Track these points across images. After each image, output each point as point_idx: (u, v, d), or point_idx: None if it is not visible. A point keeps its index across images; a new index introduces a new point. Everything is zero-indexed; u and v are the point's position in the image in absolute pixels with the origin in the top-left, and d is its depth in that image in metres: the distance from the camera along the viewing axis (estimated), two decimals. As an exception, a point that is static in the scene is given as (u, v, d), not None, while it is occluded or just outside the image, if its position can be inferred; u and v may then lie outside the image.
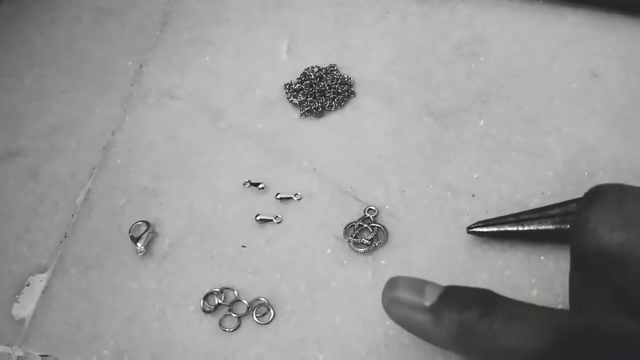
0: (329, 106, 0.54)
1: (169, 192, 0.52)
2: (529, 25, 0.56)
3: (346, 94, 0.55)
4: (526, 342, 0.29)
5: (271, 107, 0.56)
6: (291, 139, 0.54)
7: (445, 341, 0.34)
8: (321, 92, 0.55)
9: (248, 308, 0.46)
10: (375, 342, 0.44)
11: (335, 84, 0.55)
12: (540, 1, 0.56)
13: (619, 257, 0.31)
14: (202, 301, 0.47)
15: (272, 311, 0.46)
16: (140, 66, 0.60)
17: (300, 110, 0.55)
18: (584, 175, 0.48)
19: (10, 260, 0.51)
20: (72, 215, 0.52)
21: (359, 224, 0.48)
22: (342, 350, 0.44)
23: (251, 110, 0.56)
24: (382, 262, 0.47)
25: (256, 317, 0.46)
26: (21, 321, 0.48)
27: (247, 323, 0.46)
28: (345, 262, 0.47)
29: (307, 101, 0.55)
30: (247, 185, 0.51)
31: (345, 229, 0.48)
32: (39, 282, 0.50)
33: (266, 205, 0.51)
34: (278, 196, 0.50)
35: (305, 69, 0.57)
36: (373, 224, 0.48)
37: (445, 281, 0.45)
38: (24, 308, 0.49)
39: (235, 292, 0.47)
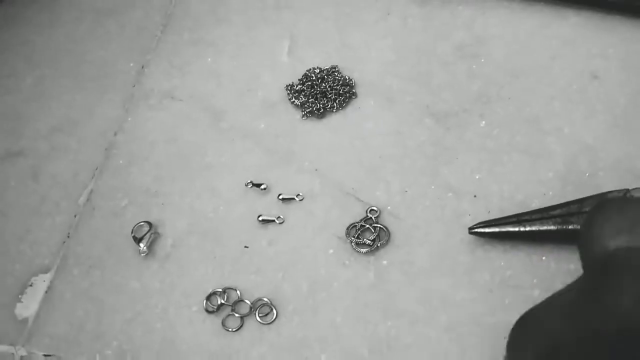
0: (330, 107, 0.55)
1: (171, 193, 0.52)
2: (530, 26, 0.56)
3: (347, 95, 0.55)
4: None
5: (272, 108, 0.56)
6: (293, 140, 0.54)
7: None
8: (323, 93, 0.55)
9: (251, 308, 0.46)
10: (378, 341, 0.44)
11: (337, 85, 0.55)
12: (541, 2, 0.57)
13: (623, 259, 0.32)
14: (204, 301, 0.47)
15: (274, 311, 0.46)
16: (142, 67, 0.60)
17: (302, 111, 0.55)
18: (584, 176, 0.48)
19: (13, 260, 0.51)
20: (75, 216, 0.52)
21: (361, 225, 0.48)
22: (344, 350, 0.44)
23: (252, 111, 0.56)
24: (384, 262, 0.47)
25: (259, 317, 0.46)
26: (24, 321, 0.48)
27: (249, 323, 0.46)
28: (347, 262, 0.47)
29: (308, 102, 0.55)
30: (249, 186, 0.52)
31: (347, 229, 0.48)
32: (41, 282, 0.50)
33: (268, 206, 0.51)
34: (280, 197, 0.51)
35: (307, 70, 0.57)
36: (375, 225, 0.48)
37: (446, 282, 0.46)
38: (27, 308, 0.49)
39: (238, 292, 0.47)
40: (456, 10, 0.58)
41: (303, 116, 0.55)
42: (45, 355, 0.47)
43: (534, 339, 0.35)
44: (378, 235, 0.48)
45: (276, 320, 0.46)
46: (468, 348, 0.43)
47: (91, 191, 0.53)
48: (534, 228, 0.44)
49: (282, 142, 0.54)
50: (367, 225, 0.48)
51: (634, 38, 0.54)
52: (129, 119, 0.57)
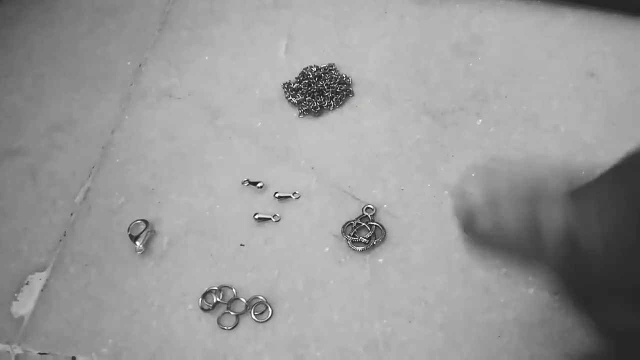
0: (327, 105, 0.54)
1: (168, 191, 0.52)
2: (526, 24, 0.56)
3: (344, 93, 0.55)
4: None
5: (270, 106, 0.56)
6: (290, 138, 0.54)
7: None
8: (320, 91, 0.55)
9: (246, 306, 0.46)
10: (373, 339, 0.44)
11: (334, 83, 0.55)
12: (538, 1, 0.57)
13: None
14: (200, 299, 0.47)
15: (270, 309, 0.46)
16: (140, 66, 0.60)
17: (299, 109, 0.55)
18: (581, 174, 0.48)
19: (10, 258, 0.51)
20: (71, 214, 0.52)
21: (357, 223, 0.48)
22: (339, 348, 0.44)
23: (250, 109, 0.56)
24: (380, 260, 0.47)
25: (254, 315, 0.46)
26: (20, 319, 0.48)
27: (245, 321, 0.46)
28: (343, 260, 0.47)
29: (305, 100, 0.55)
30: (245, 184, 0.52)
31: (343, 227, 0.48)
32: (38, 281, 0.50)
33: (265, 204, 0.51)
34: (276, 195, 0.51)
35: (304, 69, 0.57)
36: (371, 223, 0.48)
37: (442, 279, 0.46)
38: (23, 306, 0.49)
39: (234, 290, 0.47)
40: (453, 9, 0.58)
41: (300, 114, 0.55)
42: (40, 354, 0.47)
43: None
44: (374, 234, 0.48)
45: (272, 319, 0.46)
46: (463, 346, 0.43)
47: (88, 189, 0.53)
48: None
49: (279, 140, 0.54)
50: (363, 224, 0.48)
51: (630, 36, 0.54)
52: (127, 117, 0.57)
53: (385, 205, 0.49)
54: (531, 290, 0.44)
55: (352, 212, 0.49)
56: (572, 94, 0.52)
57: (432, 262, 0.46)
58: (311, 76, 0.56)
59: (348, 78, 0.56)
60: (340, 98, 0.55)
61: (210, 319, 0.46)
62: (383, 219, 0.49)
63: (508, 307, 0.43)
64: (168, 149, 0.55)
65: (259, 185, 0.51)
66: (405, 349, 0.44)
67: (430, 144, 0.51)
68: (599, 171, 0.48)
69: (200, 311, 0.47)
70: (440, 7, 0.59)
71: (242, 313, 0.46)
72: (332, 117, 0.54)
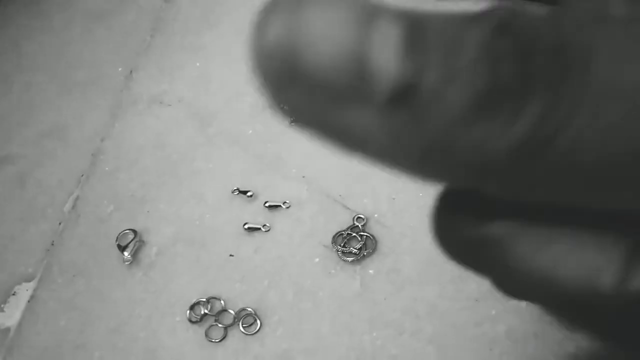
0: (318, 113, 0.54)
1: (157, 200, 0.52)
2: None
3: (336, 100, 0.54)
4: None
5: (261, 113, 0.55)
6: (281, 146, 0.53)
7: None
8: (311, 98, 0.54)
9: (234, 318, 0.46)
10: (363, 352, 0.44)
11: (326, 90, 0.54)
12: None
13: None
14: (188, 311, 0.46)
15: (258, 321, 0.45)
16: (130, 72, 0.60)
17: (290, 117, 0.54)
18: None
19: (-3, 268, 0.51)
20: (60, 223, 0.52)
21: (348, 233, 0.48)
22: (329, 361, 0.44)
23: (241, 116, 0.55)
24: (371, 271, 0.46)
25: (243, 327, 0.45)
26: (6, 330, 0.48)
27: (233, 333, 0.45)
28: (333, 271, 0.47)
29: (297, 107, 0.54)
30: (235, 193, 0.51)
31: (333, 237, 0.48)
32: (25, 291, 0.49)
33: (254, 213, 0.50)
34: (267, 204, 0.50)
35: (296, 75, 0.56)
36: (362, 233, 0.47)
37: (433, 290, 0.45)
38: (9, 317, 0.48)
39: (222, 301, 0.46)
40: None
41: (291, 122, 0.54)
42: (27, 366, 0.46)
43: None
44: (364, 244, 0.47)
45: (260, 331, 0.45)
46: (454, 359, 0.42)
47: (77, 198, 0.53)
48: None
49: (269, 148, 0.53)
50: (354, 234, 0.47)
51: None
52: (117, 124, 0.56)
53: (376, 215, 0.49)
54: (523, 303, 0.43)
55: (342, 221, 0.49)
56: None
57: (422, 272, 0.46)
58: (303, 83, 0.55)
59: (340, 85, 0.55)
60: (332, 105, 0.54)
61: (198, 331, 0.46)
62: (374, 228, 0.48)
63: (499, 319, 0.42)
64: (158, 157, 0.54)
65: (249, 194, 0.50)
66: (395, 362, 0.43)
67: (422, 152, 0.51)
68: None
69: (188, 323, 0.46)
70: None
71: (231, 325, 0.45)
72: (324, 125, 0.54)
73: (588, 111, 0.11)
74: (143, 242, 0.50)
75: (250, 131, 0.54)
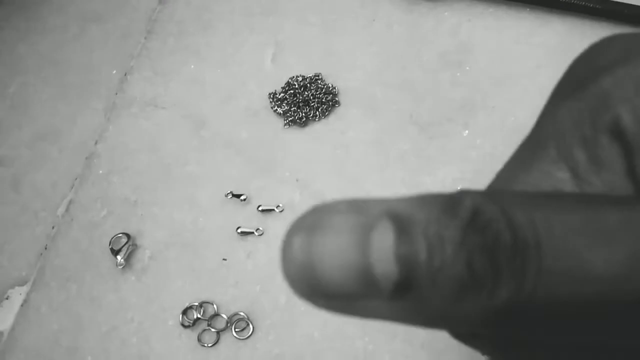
0: (313, 116, 0.54)
1: (151, 203, 0.52)
2: (515, 33, 0.55)
3: (330, 103, 0.54)
4: None
5: (255, 116, 0.55)
6: (274, 149, 0.53)
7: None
8: (305, 101, 0.54)
9: (227, 323, 0.45)
10: (355, 357, 0.44)
11: (320, 93, 0.54)
12: (527, 10, 0.56)
13: None
14: (181, 315, 0.46)
15: (251, 326, 0.45)
16: (125, 75, 0.60)
17: (284, 119, 0.54)
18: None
19: (-10, 272, 0.51)
20: (53, 227, 0.52)
21: (341, 237, 0.47)
22: (321, 366, 0.43)
23: (235, 119, 0.55)
24: (363, 275, 0.46)
25: (235, 332, 0.45)
26: (-1, 335, 0.48)
27: (225, 338, 0.45)
28: (326, 275, 0.47)
29: (291, 111, 0.54)
30: (229, 197, 0.51)
31: (326, 241, 0.48)
32: (18, 295, 0.49)
33: (248, 217, 0.50)
34: (260, 208, 0.50)
35: (290, 78, 0.56)
36: (354, 237, 0.47)
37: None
38: (2, 321, 0.48)
39: (215, 306, 0.46)
40: (442, 17, 0.57)
41: (285, 125, 0.54)
42: (19, 370, 0.46)
43: None
44: (357, 248, 0.47)
45: (252, 336, 0.45)
46: (446, 365, 0.42)
47: (70, 201, 0.53)
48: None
49: (263, 151, 0.53)
50: (347, 238, 0.47)
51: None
52: (111, 127, 0.56)
53: (369, 219, 0.48)
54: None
55: (336, 225, 0.48)
56: (560, 105, 0.51)
57: (416, 277, 0.46)
58: (297, 86, 0.55)
59: (334, 88, 0.55)
60: (326, 108, 0.54)
61: (190, 336, 0.46)
62: (367, 232, 0.48)
63: (492, 325, 0.42)
64: (151, 160, 0.54)
65: (242, 197, 0.50)
66: (388, 367, 0.43)
67: (415, 156, 0.51)
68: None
69: (181, 327, 0.46)
70: (429, 15, 0.58)
71: (223, 330, 0.45)
72: (318, 128, 0.54)
73: (543, 290, 0.15)
74: (136, 246, 0.50)
75: (245, 134, 0.54)
